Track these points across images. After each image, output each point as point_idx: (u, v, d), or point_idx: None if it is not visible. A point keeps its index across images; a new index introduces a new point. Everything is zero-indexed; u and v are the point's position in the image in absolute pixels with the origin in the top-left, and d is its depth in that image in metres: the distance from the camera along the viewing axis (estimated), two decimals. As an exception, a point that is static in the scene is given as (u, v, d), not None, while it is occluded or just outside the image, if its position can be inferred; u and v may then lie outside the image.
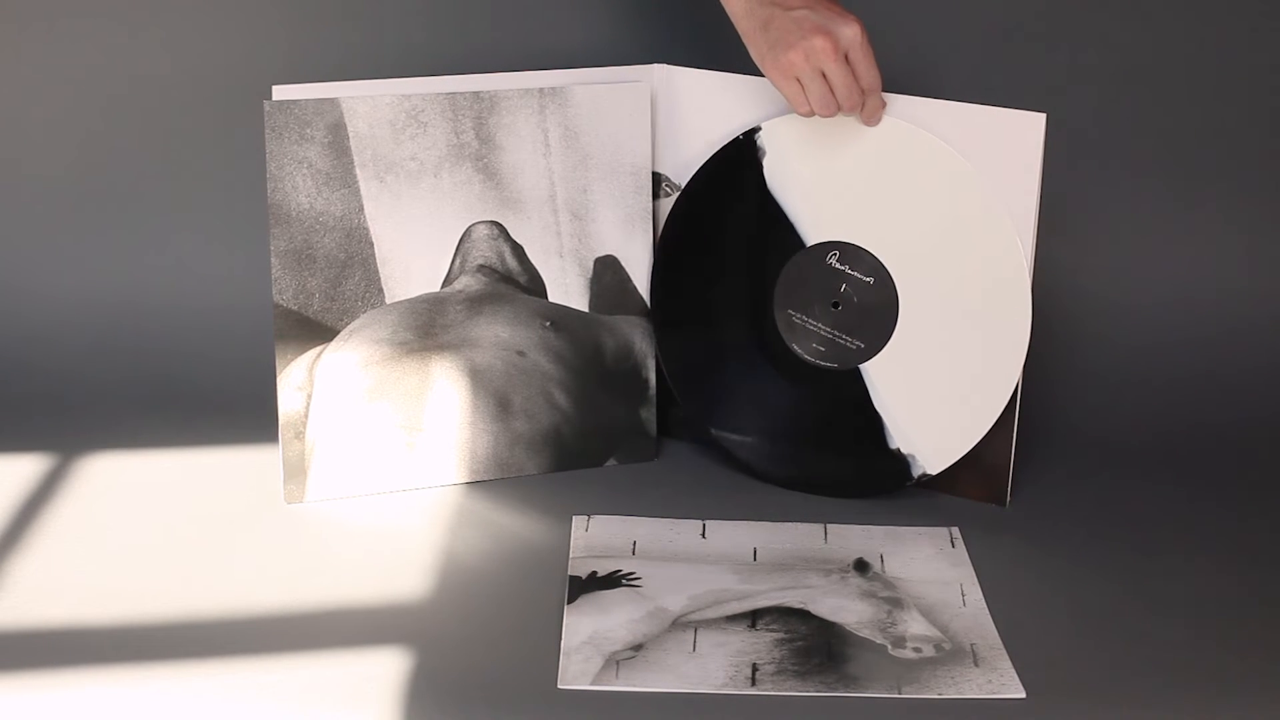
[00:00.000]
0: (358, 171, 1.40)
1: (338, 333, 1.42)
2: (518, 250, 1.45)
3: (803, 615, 1.25)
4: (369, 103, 1.39)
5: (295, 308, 1.40)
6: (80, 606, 1.24)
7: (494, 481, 1.47)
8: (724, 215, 1.47)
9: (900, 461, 1.43)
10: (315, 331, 1.41)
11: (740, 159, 1.44)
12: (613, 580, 1.29)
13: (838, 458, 1.45)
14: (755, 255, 1.46)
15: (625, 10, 1.68)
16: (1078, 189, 1.68)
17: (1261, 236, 1.72)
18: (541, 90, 1.43)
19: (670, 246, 1.49)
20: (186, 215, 1.70)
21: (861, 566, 1.32)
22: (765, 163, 1.43)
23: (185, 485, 1.44)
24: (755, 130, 1.43)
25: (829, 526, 1.39)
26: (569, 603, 1.26)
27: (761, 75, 1.34)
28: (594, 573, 1.30)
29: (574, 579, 1.29)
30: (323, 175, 1.39)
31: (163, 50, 1.67)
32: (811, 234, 1.43)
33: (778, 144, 1.42)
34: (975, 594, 1.28)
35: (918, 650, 1.20)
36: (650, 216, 1.47)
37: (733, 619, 1.24)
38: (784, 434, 1.47)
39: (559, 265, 1.46)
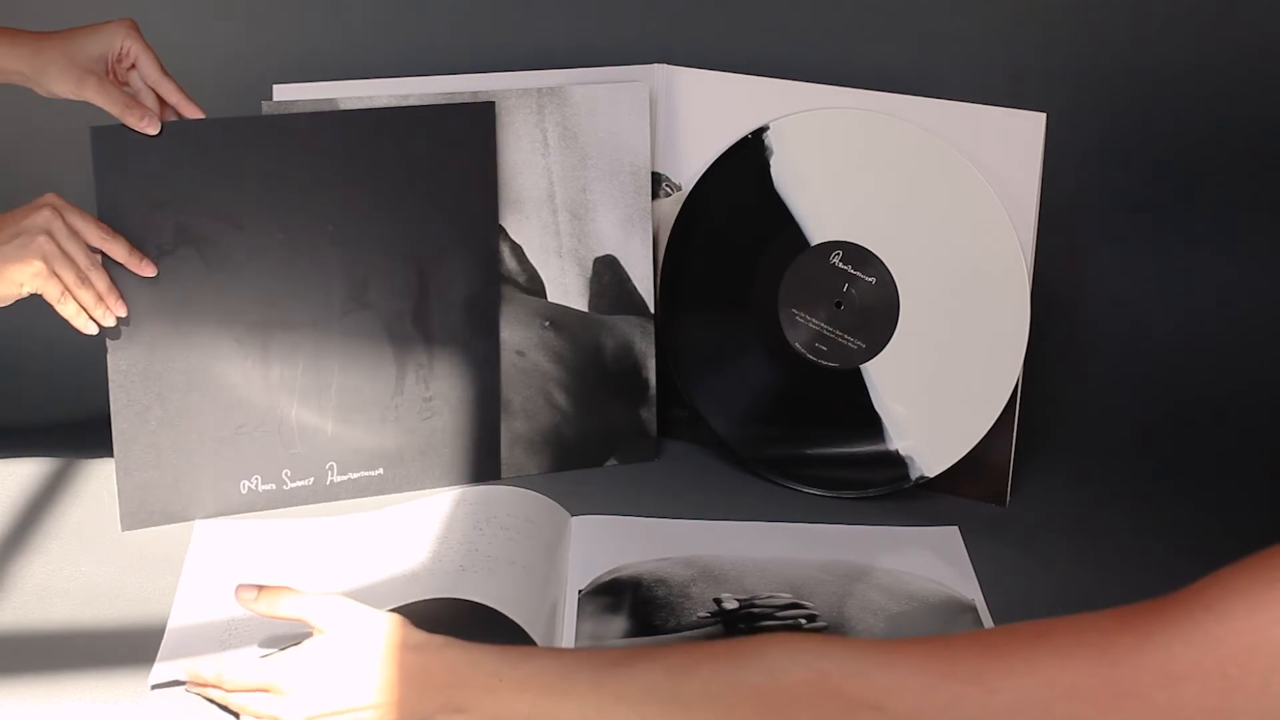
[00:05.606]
0: (358, 172, 1.40)
1: (338, 333, 1.42)
2: (517, 250, 1.45)
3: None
4: (368, 103, 1.39)
5: (295, 308, 1.40)
6: (82, 608, 1.24)
7: (494, 481, 1.47)
8: (731, 212, 1.47)
9: (900, 462, 1.43)
10: (315, 332, 1.41)
11: (748, 157, 1.44)
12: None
13: (837, 457, 1.45)
14: (761, 253, 1.46)
15: (625, 10, 1.68)
16: (1078, 189, 1.68)
17: (1262, 237, 1.72)
18: (540, 90, 1.43)
19: (677, 242, 1.49)
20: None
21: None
22: (773, 161, 1.43)
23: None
24: (763, 129, 1.43)
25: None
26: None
27: (763, 75, 1.34)
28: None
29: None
30: (323, 175, 1.39)
31: (162, 50, 1.66)
32: (816, 233, 1.43)
33: (785, 143, 1.43)
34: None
35: (918, 650, 1.20)
36: (650, 216, 1.47)
37: (733, 619, 1.24)
38: (785, 432, 1.47)
39: (558, 265, 1.46)
